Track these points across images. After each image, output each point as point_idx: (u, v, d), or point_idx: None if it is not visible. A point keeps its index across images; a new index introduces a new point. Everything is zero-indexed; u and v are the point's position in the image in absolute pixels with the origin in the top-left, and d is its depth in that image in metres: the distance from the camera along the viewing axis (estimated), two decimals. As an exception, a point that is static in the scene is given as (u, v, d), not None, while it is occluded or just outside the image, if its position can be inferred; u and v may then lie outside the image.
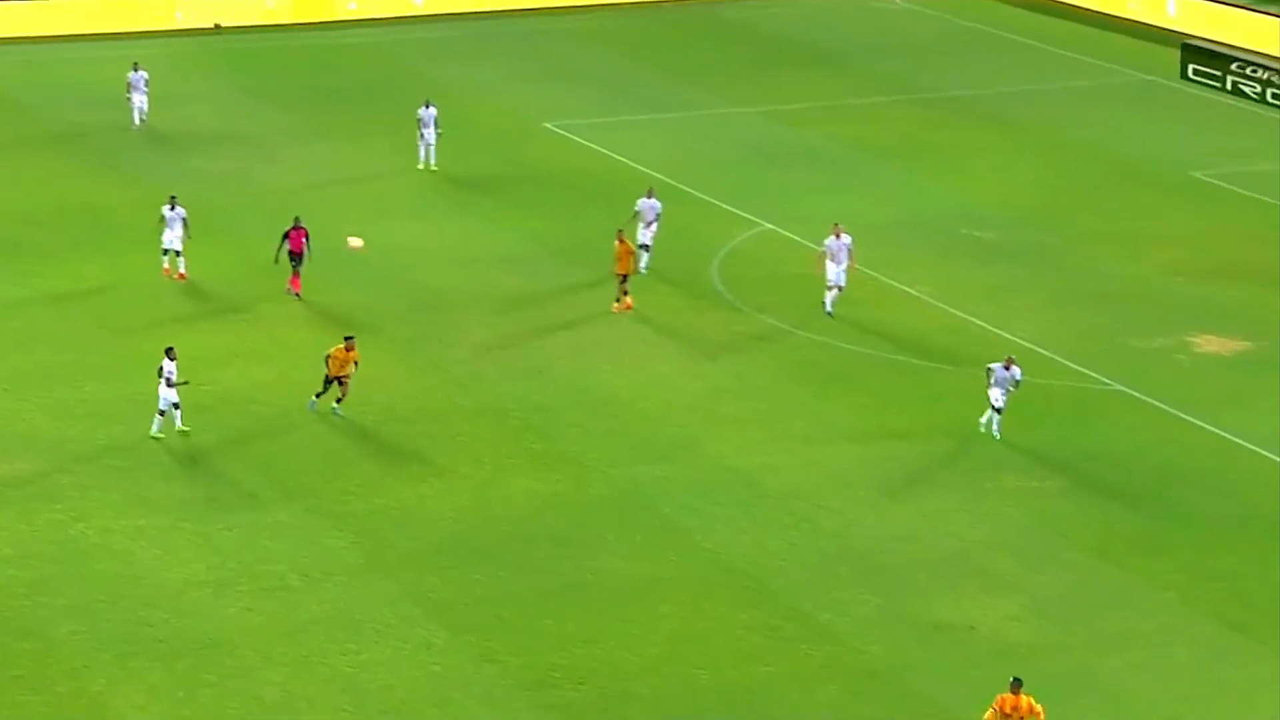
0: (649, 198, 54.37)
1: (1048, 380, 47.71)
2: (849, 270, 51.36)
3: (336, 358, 45.20)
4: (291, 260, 52.32)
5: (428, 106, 62.56)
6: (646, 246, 54.04)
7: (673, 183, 61.37)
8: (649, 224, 54.04)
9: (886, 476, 43.03)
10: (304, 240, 52.30)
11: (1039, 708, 32.31)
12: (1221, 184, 61.62)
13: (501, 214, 59.41)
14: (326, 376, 45.28)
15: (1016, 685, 32.31)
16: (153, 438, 44.01)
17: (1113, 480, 42.70)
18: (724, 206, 59.88)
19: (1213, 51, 72.82)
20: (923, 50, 78.25)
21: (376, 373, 46.88)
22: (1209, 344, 49.98)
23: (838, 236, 51.22)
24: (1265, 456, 43.73)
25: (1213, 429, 45.10)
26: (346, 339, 45.57)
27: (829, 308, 51.13)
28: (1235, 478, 42.90)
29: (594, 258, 53.10)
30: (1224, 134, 66.64)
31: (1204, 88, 71.73)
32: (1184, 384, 47.59)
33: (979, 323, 51.28)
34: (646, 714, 34.41)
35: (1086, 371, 48.24)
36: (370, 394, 46.10)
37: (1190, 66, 72.90)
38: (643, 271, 53.46)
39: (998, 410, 44.19)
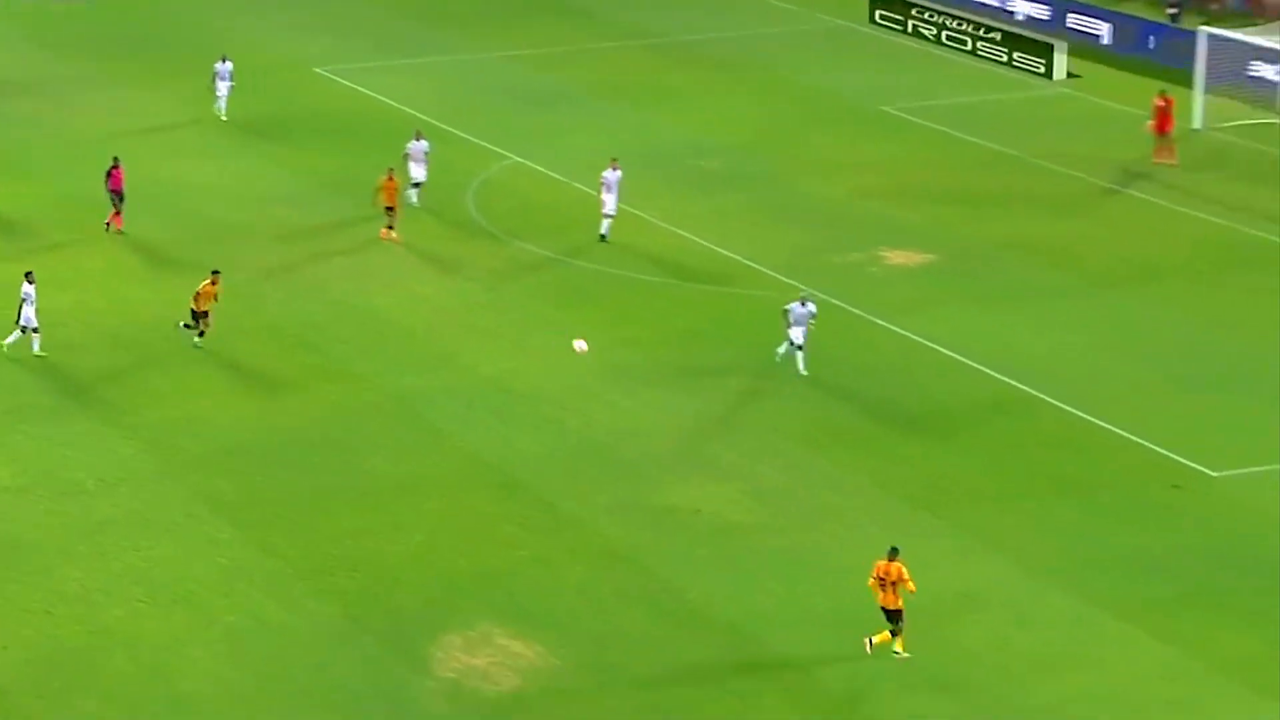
0: (418, 140, 53.48)
1: (763, 291, 47.79)
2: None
3: (202, 293, 43.42)
4: (113, 198, 50.62)
5: (224, 61, 60.98)
6: (419, 184, 53.19)
7: (432, 121, 60.52)
8: (419, 163, 53.16)
9: (622, 380, 42.89)
10: (122, 178, 50.59)
11: (905, 572, 31.96)
12: (907, 117, 62.04)
13: (280, 153, 58.28)
14: (193, 310, 43.47)
15: (892, 554, 32.22)
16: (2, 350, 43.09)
17: (819, 379, 42.89)
18: (478, 142, 59.22)
19: (896, -2, 73.35)
20: (653, 1, 77.83)
21: (166, 296, 45.83)
22: (897, 257, 50.33)
23: (614, 169, 50.60)
24: (946, 354, 44.15)
25: (902, 331, 45.46)
26: (213, 273, 43.97)
27: (604, 232, 50.36)
28: (922, 374, 43.29)
29: (365, 192, 52.17)
30: (908, 72, 67.04)
31: (889, 31, 72.07)
32: (876, 293, 47.88)
33: (703, 242, 51.23)
34: (412, 598, 34.08)
35: (795, 284, 48.26)
36: (161, 315, 45.07)
37: (877, 12, 73.22)
38: (415, 204, 52.68)
39: (799, 347, 42.30)
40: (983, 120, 61.44)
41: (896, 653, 32.14)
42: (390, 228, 50.68)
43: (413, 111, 61.81)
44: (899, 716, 30.73)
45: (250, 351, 44.12)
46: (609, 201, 50.57)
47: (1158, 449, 39.33)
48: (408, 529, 36.45)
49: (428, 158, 53.12)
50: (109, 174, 50.75)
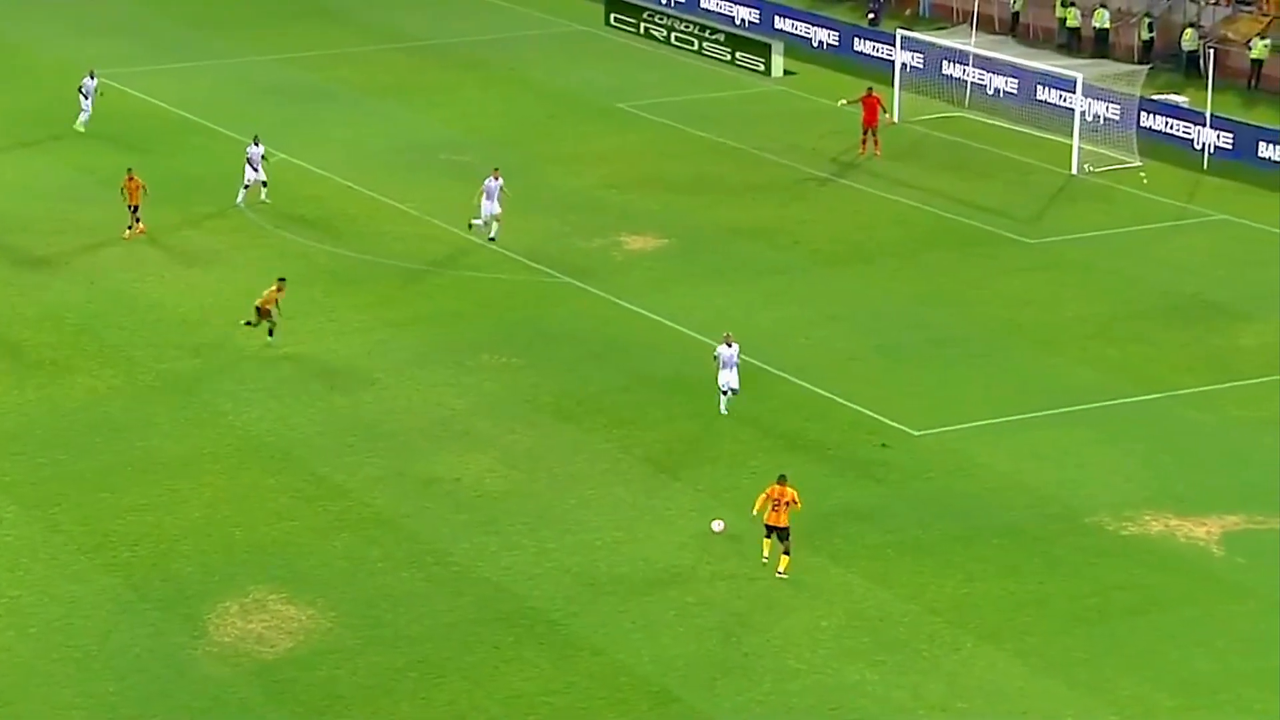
0: (256, 145, 51.51)
1: (512, 276, 47.36)
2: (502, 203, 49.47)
3: (267, 297, 41.95)
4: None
5: (91, 77, 58.07)
6: (264, 183, 51.41)
7: (204, 122, 59.12)
8: (256, 166, 51.36)
9: (388, 359, 42.19)
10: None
11: (794, 494, 32.74)
12: (641, 113, 61.88)
13: (59, 151, 56.37)
14: (257, 308, 42.08)
15: (782, 479, 32.99)
16: None
17: (566, 355, 42.58)
18: (246, 139, 57.66)
19: (628, 3, 73.05)
20: (410, 6, 76.62)
21: (-46, 290, 44.16)
22: (636, 242, 50.16)
23: (495, 178, 48.96)
24: (682, 331, 44.07)
25: (642, 310, 45.28)
26: (279, 280, 42.55)
27: (492, 235, 48.72)
28: (661, 348, 43.16)
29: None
30: (641, 72, 66.89)
31: (624, 34, 71.88)
32: (618, 275, 47.64)
33: (457, 231, 50.54)
34: (191, 567, 33.15)
35: (543, 269, 48.01)
36: (-52, 308, 43.41)
37: (612, 15, 72.99)
38: (265, 200, 51.13)
39: (733, 391, 38.75)
40: (710, 115, 61.51)
41: (780, 573, 32.57)
42: (133, 224, 48.72)
43: (184, 113, 60.25)
44: (643, 660, 30.59)
45: (31, 339, 42.56)
46: (487, 207, 48.67)
47: (869, 412, 39.65)
48: (186, 503, 35.45)
49: (264, 159, 51.54)
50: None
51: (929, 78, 62.76)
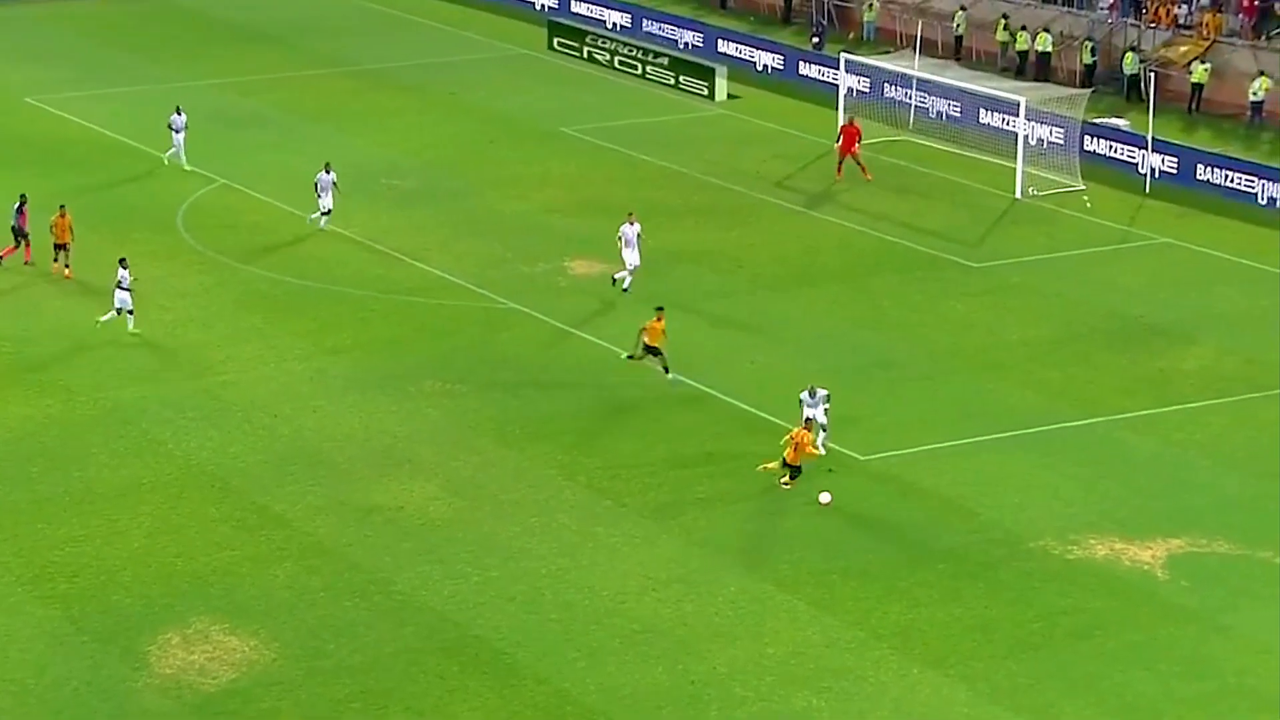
0: (327, 172, 51.39)
1: (455, 302, 47.51)
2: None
3: (650, 329, 40.86)
4: (17, 235, 48.15)
5: (179, 114, 57.01)
6: (327, 211, 51.37)
7: (141, 146, 59.07)
8: (323, 193, 51.36)
9: (329, 386, 42.24)
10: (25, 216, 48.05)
11: (810, 439, 37.16)
12: (585, 137, 62.17)
13: (-7, 176, 56.35)
14: (644, 345, 41.25)
15: (807, 423, 37.72)
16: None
17: (509, 381, 42.72)
18: (186, 167, 57.75)
19: (571, 26, 73.42)
20: (348, 31, 76.87)
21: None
22: (581, 267, 50.39)
23: (630, 224, 47.53)
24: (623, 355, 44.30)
25: (586, 336, 45.50)
26: (657, 310, 41.38)
27: (625, 286, 47.41)
28: (604, 373, 43.28)
29: (74, 210, 50.27)
30: (584, 95, 67.22)
31: (567, 57, 72.20)
32: (562, 300, 47.88)
33: (401, 256, 50.69)
34: (130, 598, 33.09)
35: (487, 294, 48.17)
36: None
37: (555, 39, 73.32)
38: (322, 228, 51.32)
39: (823, 428, 38.72)
40: (654, 139, 61.85)
41: (785, 483, 36.91)
42: (64, 265, 47.88)
43: (122, 138, 60.18)
44: (588, 689, 30.71)
45: (-31, 368, 42.48)
46: (628, 256, 47.31)
47: (815, 437, 39.96)
48: (126, 533, 35.40)
49: (335, 186, 51.49)
50: (18, 210, 48.20)
51: (873, 101, 63.30)
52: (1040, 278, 49.92)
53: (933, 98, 63.20)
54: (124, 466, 38.12)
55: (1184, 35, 67.01)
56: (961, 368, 43.92)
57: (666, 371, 41.81)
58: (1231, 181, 56.60)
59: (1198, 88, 64.65)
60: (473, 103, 66.40)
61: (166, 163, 56.80)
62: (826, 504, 36.34)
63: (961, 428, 40.56)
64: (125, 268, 44.58)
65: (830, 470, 38.26)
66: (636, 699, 30.56)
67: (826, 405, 38.67)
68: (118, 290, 44.37)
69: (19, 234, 48.56)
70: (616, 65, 70.26)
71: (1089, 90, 62.33)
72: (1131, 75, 66.10)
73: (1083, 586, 34.06)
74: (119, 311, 44.38)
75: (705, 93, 66.86)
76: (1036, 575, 34.45)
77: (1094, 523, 36.36)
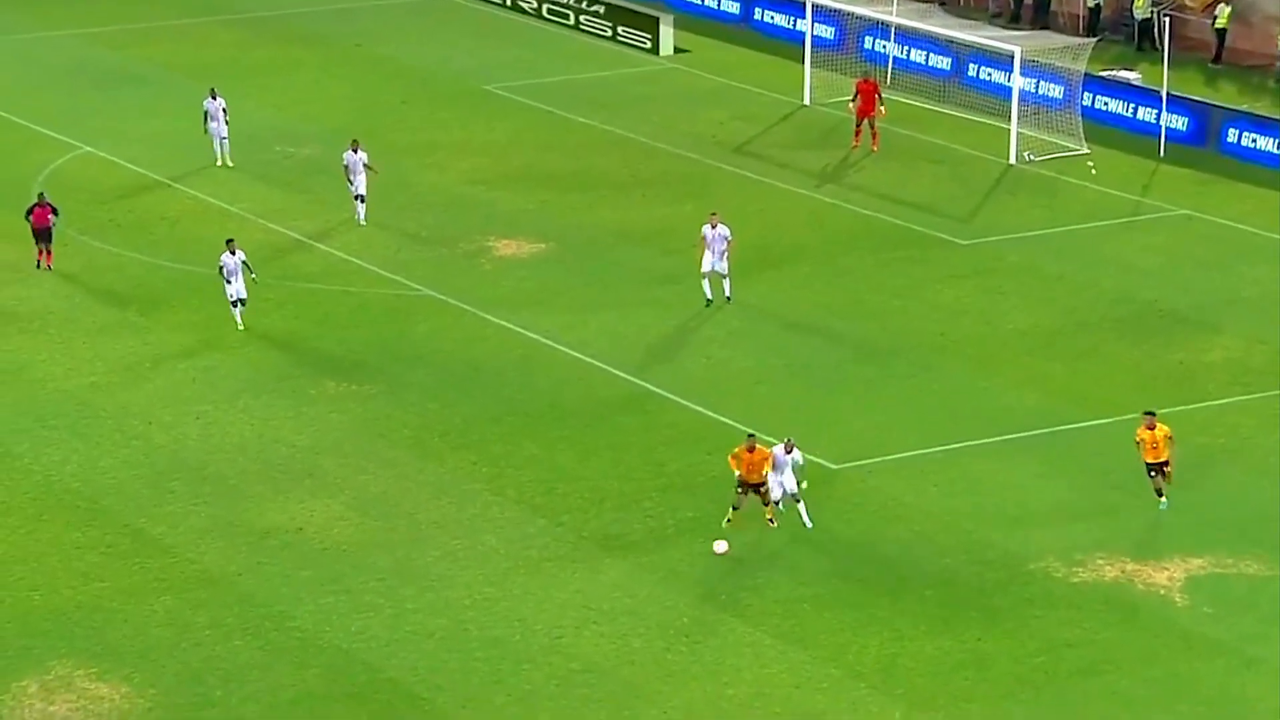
0: (355, 152, 50.59)
1: (362, 289, 47.38)
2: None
3: (742, 459, 36.26)
4: (37, 238, 47.39)
5: (214, 97, 54.92)
6: (361, 196, 50.65)
7: (-10, 109, 58.87)
8: (354, 177, 50.66)
9: (215, 390, 42.07)
10: (49, 215, 47.23)
11: (768, 453, 36.16)
12: (512, 96, 62.11)
13: None
14: (740, 480, 36.44)
15: (750, 438, 36.44)
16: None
17: (427, 380, 42.65)
18: (44, 131, 57.45)
19: (498, -31, 73.35)
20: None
21: None
22: (507, 247, 50.31)
23: (713, 225, 46.44)
24: (561, 350, 44.24)
25: (515, 328, 45.42)
26: (749, 437, 36.76)
27: (709, 295, 46.51)
28: (538, 371, 43.30)
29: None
30: (510, 48, 67.10)
31: (488, 4, 72.01)
32: (487, 286, 47.79)
33: (299, 237, 50.53)
34: (-19, 641, 32.93)
35: (398, 279, 48.04)
36: None
37: (477, -16, 73.30)
38: (361, 223, 50.58)
39: (795, 498, 36.55)
40: (591, 98, 61.81)
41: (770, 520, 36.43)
42: None
43: (-30, 97, 59.84)
44: (521, 741, 30.69)
45: None
46: (708, 260, 46.08)
47: (778, 443, 39.87)
48: (-25, 564, 35.22)
49: (367, 170, 50.72)
50: (32, 211, 47.39)
51: (845, 53, 63.34)
52: (1040, 256, 50.11)
53: (914, 49, 63.28)
54: (-26, 484, 37.92)
55: (1205, -26, 67.35)
56: (950, 362, 44.05)
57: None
58: (1259, 144, 56.92)
59: (1220, 35, 64.99)
60: (381, 56, 66.21)
61: (221, 164, 54.91)
62: (722, 553, 35.09)
63: (950, 431, 40.66)
64: (234, 251, 44.12)
65: (799, 482, 38.26)
66: (576, 751, 30.55)
67: (799, 473, 36.57)
68: (233, 281, 43.85)
69: (40, 235, 47.46)
70: (546, 14, 70.17)
71: (1094, 39, 62.57)
72: (1143, 21, 66.38)
73: (1091, 615, 34.18)
74: (237, 304, 44.12)
75: (648, 45, 66.84)
76: (1038, 602, 34.56)
77: (1104, 540, 36.50)
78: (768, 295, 47.56)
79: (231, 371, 42.90)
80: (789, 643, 33.18)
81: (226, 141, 54.59)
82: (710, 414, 41.21)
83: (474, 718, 31.17)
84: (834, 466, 39.04)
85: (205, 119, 54.34)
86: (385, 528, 36.73)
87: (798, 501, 36.61)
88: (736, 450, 36.48)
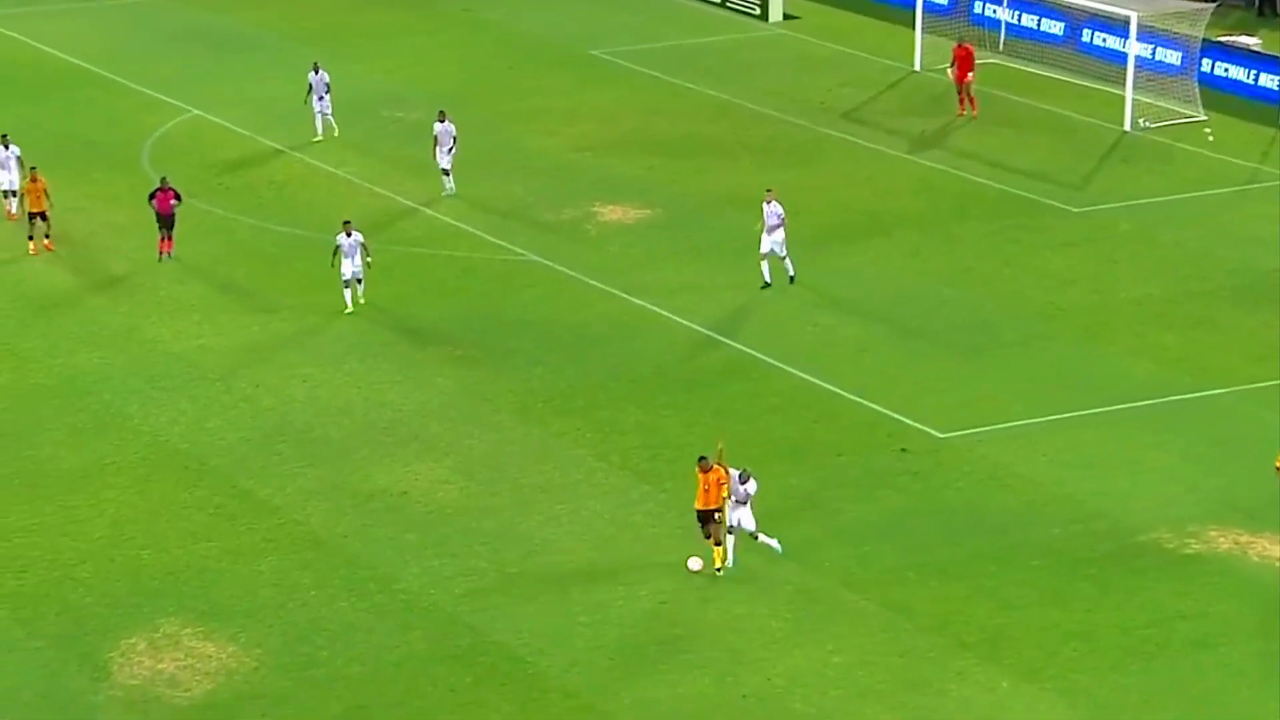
0: (442, 121, 50.27)
1: (468, 254, 47.62)
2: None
3: (697, 483, 34.26)
4: (160, 224, 46.46)
5: (316, 70, 54.79)
6: (446, 170, 50.45)
7: (99, 70, 59.31)
8: (449, 149, 50.26)
9: (321, 353, 42.40)
10: (172, 201, 46.35)
11: (724, 476, 33.80)
12: (620, 61, 62.21)
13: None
14: (698, 513, 34.48)
15: (703, 461, 33.77)
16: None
17: (532, 345, 42.81)
18: (152, 94, 58.02)
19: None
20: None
21: None
22: (613, 213, 50.43)
23: (769, 202, 45.62)
24: (667, 316, 44.32)
25: (620, 293, 45.52)
26: (700, 460, 34.42)
27: (768, 276, 45.36)
28: (643, 337, 43.40)
29: (26, 147, 50.48)
30: (618, 13, 67.19)
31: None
32: (592, 252, 47.94)
33: (404, 200, 50.85)
34: (90, 598, 33.26)
35: (504, 244, 48.26)
36: None
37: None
38: (449, 191, 50.40)
39: (753, 536, 34.27)
40: (699, 64, 61.82)
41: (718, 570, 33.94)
42: (42, 236, 46.69)
43: (77, 60, 60.43)
44: (623, 704, 30.78)
45: (-97, 331, 42.87)
46: (766, 242, 45.28)
47: (886, 411, 39.89)
48: (86, 522, 35.58)
49: (456, 141, 50.37)
50: (154, 196, 46.61)
51: (957, 18, 63.09)
52: (1154, 224, 49.77)
53: (1028, 14, 62.88)
54: (83, 444, 38.28)
55: (1326, -63, 66.56)
56: (1060, 331, 43.84)
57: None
58: (1381, 112, 56.31)
59: (1342, 1, 64.30)
60: (489, 21, 66.44)
61: (321, 138, 54.59)
62: (696, 570, 33.79)
63: (1060, 401, 40.48)
64: (350, 233, 43.70)
65: (904, 450, 38.22)
66: (679, 715, 30.58)
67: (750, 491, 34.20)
68: (346, 259, 43.44)
69: (163, 221, 46.64)
70: (657, -23, 70.19)
71: (1213, 4, 61.98)
72: (1263, -14, 65.73)
73: (1203, 586, 33.97)
74: (349, 284, 43.64)
75: (757, 10, 66.73)
76: (1148, 573, 34.38)
77: (1217, 512, 36.25)
78: (875, 262, 47.47)
79: (337, 335, 43.22)
80: (894, 611, 33.16)
81: (329, 117, 54.52)
82: (817, 381, 41.19)
83: (577, 681, 31.34)
84: (941, 435, 38.94)
85: (308, 92, 54.60)
86: (489, 492, 36.94)
87: (755, 538, 34.10)
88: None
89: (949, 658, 31.93)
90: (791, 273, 45.73)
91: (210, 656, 31.74)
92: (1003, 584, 33.97)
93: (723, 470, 33.95)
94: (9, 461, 37.57)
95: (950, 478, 37.47)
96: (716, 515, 33.94)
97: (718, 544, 33.93)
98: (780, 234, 45.41)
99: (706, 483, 33.84)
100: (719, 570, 33.91)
